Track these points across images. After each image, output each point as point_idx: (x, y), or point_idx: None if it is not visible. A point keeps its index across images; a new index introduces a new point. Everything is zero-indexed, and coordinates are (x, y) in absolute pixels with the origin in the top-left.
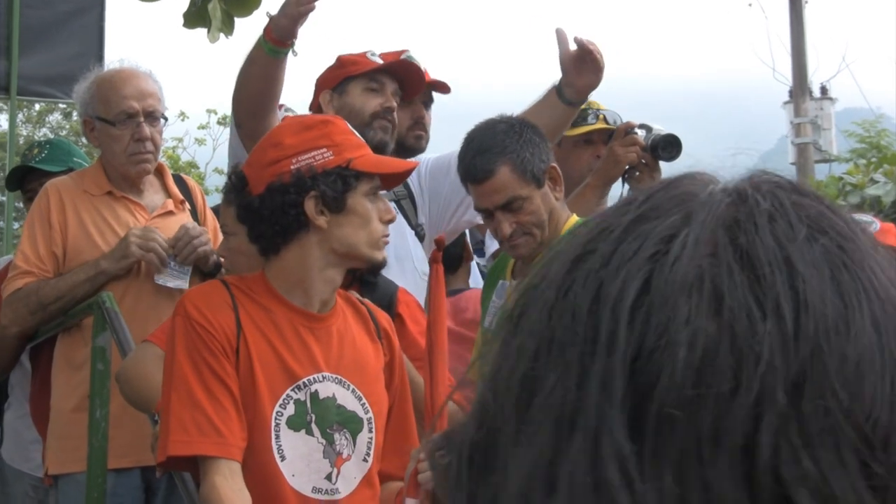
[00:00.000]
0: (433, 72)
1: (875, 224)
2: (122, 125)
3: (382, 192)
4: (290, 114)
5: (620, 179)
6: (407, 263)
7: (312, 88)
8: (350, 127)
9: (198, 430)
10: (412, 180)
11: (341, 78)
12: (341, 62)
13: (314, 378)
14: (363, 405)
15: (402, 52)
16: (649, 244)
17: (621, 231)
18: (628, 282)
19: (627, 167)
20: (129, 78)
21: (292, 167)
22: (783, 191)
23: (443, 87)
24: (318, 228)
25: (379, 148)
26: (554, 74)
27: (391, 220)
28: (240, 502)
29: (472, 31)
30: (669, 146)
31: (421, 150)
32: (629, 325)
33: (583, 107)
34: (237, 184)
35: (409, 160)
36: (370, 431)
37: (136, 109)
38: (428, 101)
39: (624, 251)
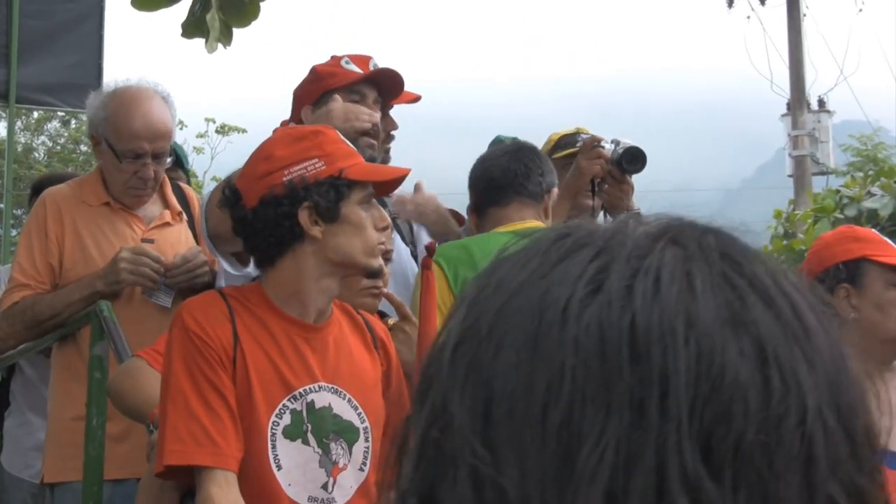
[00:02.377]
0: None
1: None
2: (127, 162)
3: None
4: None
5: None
6: (400, 278)
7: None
8: (341, 136)
9: (193, 440)
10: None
11: (320, 92)
12: (318, 74)
13: (310, 388)
14: (359, 415)
15: (368, 58)
16: (667, 278)
17: (623, 264)
18: (670, 317)
19: (595, 180)
20: (145, 113)
21: (284, 179)
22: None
23: (414, 98)
24: (313, 239)
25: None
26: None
27: (386, 228)
28: None
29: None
30: (634, 159)
31: (387, 163)
32: (685, 359)
33: (571, 132)
34: (230, 198)
35: (401, 168)
36: (366, 441)
37: (146, 151)
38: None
39: (644, 286)
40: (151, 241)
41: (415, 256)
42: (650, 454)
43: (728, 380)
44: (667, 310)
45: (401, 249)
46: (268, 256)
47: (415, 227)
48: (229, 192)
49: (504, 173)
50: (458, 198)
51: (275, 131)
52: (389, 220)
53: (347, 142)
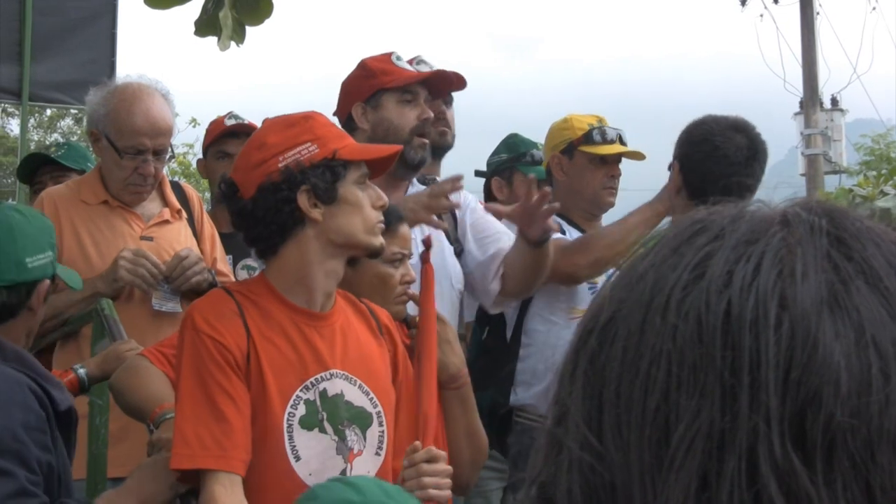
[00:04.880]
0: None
1: None
2: (128, 158)
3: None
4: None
5: None
6: (444, 281)
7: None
8: (330, 119)
9: (200, 443)
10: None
11: (373, 90)
12: (370, 70)
13: (322, 376)
14: (371, 400)
15: (390, 53)
16: (768, 262)
17: (730, 251)
18: (765, 301)
19: None
20: (146, 109)
21: (280, 165)
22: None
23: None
24: (314, 221)
25: (419, 165)
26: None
27: (384, 206)
28: None
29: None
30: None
31: (447, 146)
32: (776, 342)
33: (600, 125)
34: (227, 191)
35: (393, 145)
36: (380, 425)
37: (147, 147)
38: (448, 100)
39: (744, 272)
40: (150, 239)
41: (458, 254)
42: (741, 439)
43: (819, 360)
44: (762, 294)
45: (444, 247)
46: (271, 245)
47: (460, 224)
48: (225, 186)
49: (739, 189)
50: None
51: (264, 121)
52: (386, 199)
53: (337, 124)
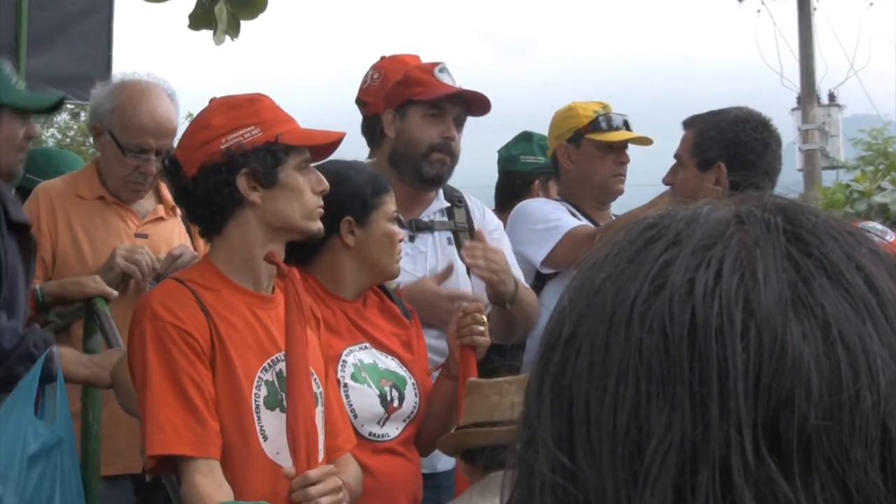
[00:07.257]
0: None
1: (889, 234)
2: (131, 156)
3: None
4: None
5: None
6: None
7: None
8: (276, 103)
9: (174, 430)
10: (477, 220)
11: (404, 99)
12: (407, 79)
13: (277, 357)
14: (315, 380)
15: (437, 64)
16: (728, 267)
17: (689, 257)
18: (729, 308)
19: None
20: (153, 108)
21: (222, 147)
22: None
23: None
24: (253, 204)
25: (434, 181)
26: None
27: (324, 191)
28: (221, 497)
29: None
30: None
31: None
32: (744, 349)
33: (605, 111)
34: (171, 168)
35: (338, 131)
36: (321, 406)
37: (151, 147)
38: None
39: (706, 278)
40: (145, 237)
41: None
42: (713, 450)
43: (789, 363)
44: (726, 301)
45: (458, 268)
46: (213, 224)
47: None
48: (169, 162)
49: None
50: (483, 191)
51: (211, 101)
52: (326, 184)
53: (282, 109)
